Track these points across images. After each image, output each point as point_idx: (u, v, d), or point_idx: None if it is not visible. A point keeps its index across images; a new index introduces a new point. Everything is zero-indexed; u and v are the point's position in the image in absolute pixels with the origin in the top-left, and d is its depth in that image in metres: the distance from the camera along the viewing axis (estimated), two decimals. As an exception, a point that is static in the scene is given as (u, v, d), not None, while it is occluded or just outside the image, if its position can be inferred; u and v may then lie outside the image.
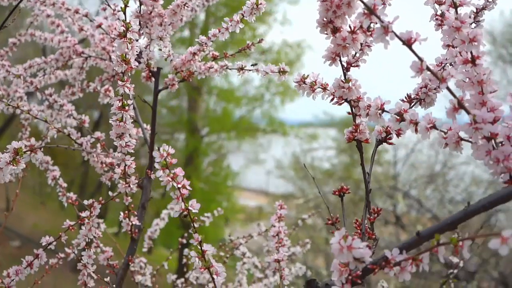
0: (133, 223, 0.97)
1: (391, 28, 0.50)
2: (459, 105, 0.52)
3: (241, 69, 0.95)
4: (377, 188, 6.52)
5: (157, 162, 0.61)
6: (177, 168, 0.63)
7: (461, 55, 0.54)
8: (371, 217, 0.63)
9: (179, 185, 0.62)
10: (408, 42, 0.51)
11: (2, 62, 1.11)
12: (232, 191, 11.67)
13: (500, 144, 0.52)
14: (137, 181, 0.91)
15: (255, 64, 0.96)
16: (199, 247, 0.65)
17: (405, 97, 0.69)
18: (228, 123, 13.20)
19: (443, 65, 0.69)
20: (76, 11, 1.10)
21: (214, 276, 0.65)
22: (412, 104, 0.69)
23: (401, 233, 6.77)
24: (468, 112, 0.51)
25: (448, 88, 0.51)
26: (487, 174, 7.35)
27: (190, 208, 0.63)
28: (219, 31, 0.90)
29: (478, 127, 0.50)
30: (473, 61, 0.54)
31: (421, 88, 0.69)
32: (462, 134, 0.55)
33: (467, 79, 0.54)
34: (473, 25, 0.72)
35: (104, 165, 1.03)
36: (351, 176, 8.76)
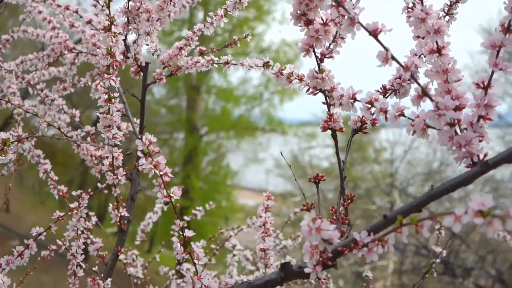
0: (122, 214, 1.00)
1: (357, 20, 0.52)
2: (423, 93, 0.54)
3: (226, 63, 0.97)
4: (374, 186, 6.55)
5: (140, 150, 0.64)
6: (160, 157, 0.65)
7: (427, 46, 0.56)
8: (345, 203, 0.65)
9: (161, 173, 0.64)
10: (374, 33, 0.53)
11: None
12: (231, 190, 11.69)
13: (464, 130, 0.55)
14: (125, 173, 0.94)
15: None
16: (181, 233, 0.67)
17: (380, 88, 0.71)
18: (227, 122, 13.22)
19: (416, 56, 0.71)
20: (67, 8, 1.13)
21: (196, 261, 0.67)
22: (387, 94, 0.71)
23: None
24: (431, 99, 0.54)
25: (412, 77, 0.54)
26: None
27: (172, 195, 0.66)
28: (204, 26, 0.93)
29: (441, 113, 0.52)
30: (438, 51, 0.56)
31: (395, 79, 0.71)
32: (428, 121, 0.57)
33: (434, 68, 0.56)
34: (447, 17, 0.75)
35: (94, 158, 1.05)
36: (350, 174, 8.78)
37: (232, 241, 1.31)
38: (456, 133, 0.54)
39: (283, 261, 1.36)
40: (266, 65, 0.86)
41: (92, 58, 1.22)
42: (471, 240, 6.51)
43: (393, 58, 0.53)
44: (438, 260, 1.09)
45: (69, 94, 1.26)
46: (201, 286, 0.66)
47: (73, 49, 1.22)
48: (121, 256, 1.31)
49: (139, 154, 0.64)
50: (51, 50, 1.22)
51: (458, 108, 0.55)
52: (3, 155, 0.69)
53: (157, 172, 0.64)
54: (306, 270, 0.57)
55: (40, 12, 1.23)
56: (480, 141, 0.54)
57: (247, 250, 1.38)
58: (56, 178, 1.12)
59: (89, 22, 1.10)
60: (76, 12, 1.14)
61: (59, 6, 1.13)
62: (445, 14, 0.73)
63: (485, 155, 0.53)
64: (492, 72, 0.55)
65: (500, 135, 8.60)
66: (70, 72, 1.23)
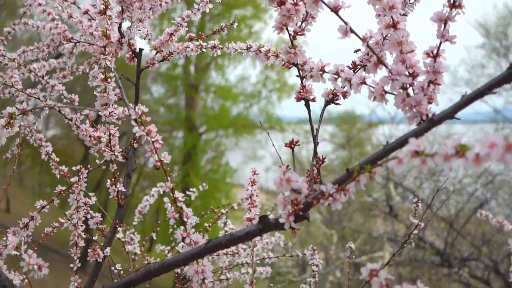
0: (119, 189, 1.07)
1: (319, -3, 0.60)
2: (379, 61, 0.62)
3: (214, 47, 1.05)
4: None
5: (133, 119, 0.71)
6: (151, 125, 0.73)
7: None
8: (317, 165, 0.73)
9: (153, 139, 0.72)
10: (335, 9, 0.61)
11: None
12: (230, 188, 11.75)
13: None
14: (121, 150, 1.01)
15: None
16: (171, 194, 0.75)
17: (351, 64, 0.79)
18: (225, 120, 13.29)
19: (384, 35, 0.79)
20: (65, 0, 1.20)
21: (185, 219, 0.75)
22: (357, 69, 0.79)
23: (395, 224, 6.89)
24: (386, 66, 0.61)
25: (368, 46, 0.61)
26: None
27: (162, 159, 0.73)
28: (192, 12, 1.00)
29: (394, 78, 0.60)
30: (394, 25, 0.64)
31: (364, 55, 0.78)
32: (386, 88, 0.65)
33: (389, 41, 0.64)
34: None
35: (92, 139, 1.13)
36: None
37: (223, 219, 1.39)
38: (408, 96, 0.62)
39: (272, 238, 1.43)
40: (248, 48, 0.93)
41: (90, 47, 1.29)
42: (467, 232, 6.60)
43: (352, 31, 0.61)
44: (416, 231, 1.16)
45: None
46: (190, 241, 0.73)
47: (71, 39, 1.30)
48: (120, 235, 1.39)
49: (133, 123, 0.72)
50: (50, 41, 1.30)
51: (413, 75, 0.63)
52: (9, 127, 0.77)
53: (149, 138, 0.72)
54: (281, 221, 0.65)
55: (39, 4, 1.30)
56: (430, 103, 0.62)
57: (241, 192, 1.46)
58: (57, 159, 1.20)
59: (86, 12, 1.17)
60: (74, 3, 1.21)
61: (57, -3, 1.20)
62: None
63: (433, 115, 0.61)
64: (440, 43, 0.62)
65: (497, 129, 8.69)
66: (69, 61, 1.30)
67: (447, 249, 6.09)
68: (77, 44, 1.30)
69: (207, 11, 0.99)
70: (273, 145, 1.05)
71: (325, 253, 6.27)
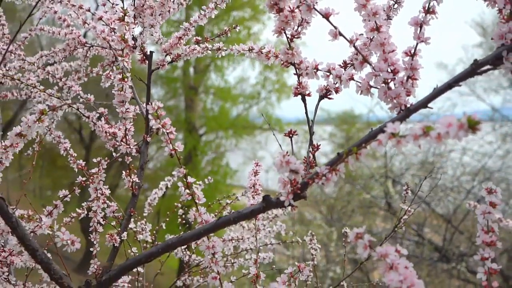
0: (134, 180, 1.17)
1: (312, 6, 0.70)
2: (364, 60, 0.72)
3: (219, 49, 1.15)
4: (370, 177, 6.74)
5: (150, 113, 0.81)
6: (166, 118, 0.83)
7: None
8: (313, 151, 0.83)
9: (168, 131, 0.82)
10: (326, 16, 0.71)
11: (18, 52, 1.31)
12: (231, 189, 11.85)
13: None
14: (136, 144, 1.11)
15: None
16: (184, 179, 0.85)
17: (342, 63, 0.89)
18: (225, 121, 13.38)
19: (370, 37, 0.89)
20: (80, 7, 1.30)
21: (197, 201, 0.85)
22: (347, 67, 0.89)
23: (395, 221, 6.99)
24: (370, 64, 0.72)
25: (355, 47, 0.72)
26: (474, 161, 7.57)
27: (176, 148, 0.83)
28: (199, 17, 1.11)
29: (376, 74, 0.70)
30: (377, 29, 0.74)
31: (353, 55, 0.89)
32: (371, 83, 0.75)
33: (373, 42, 0.74)
34: (396, 5, 0.92)
35: (107, 134, 1.23)
36: (347, 169, 8.96)
37: (228, 209, 1.49)
38: (390, 89, 0.72)
39: (274, 226, 1.54)
40: (250, 49, 1.03)
41: (102, 51, 1.40)
42: (465, 228, 6.70)
43: (340, 34, 0.71)
44: (405, 217, 1.26)
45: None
46: (202, 220, 0.84)
47: (85, 43, 1.40)
48: (132, 225, 1.49)
49: (150, 116, 0.82)
50: (66, 45, 1.40)
51: (393, 72, 0.73)
52: (40, 122, 0.87)
53: (164, 130, 0.82)
54: (281, 199, 0.75)
55: (55, 12, 1.40)
56: (408, 95, 0.72)
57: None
58: (75, 154, 1.30)
59: (100, 18, 1.27)
60: (88, 10, 1.31)
61: (73, 5, 1.30)
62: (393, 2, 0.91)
63: (411, 105, 0.71)
64: (417, 44, 0.73)
65: (495, 128, 8.79)
66: (83, 64, 1.40)
67: (446, 245, 6.19)
68: (91, 48, 1.40)
69: (213, 16, 1.10)
70: (277, 141, 1.15)
71: (325, 250, 6.36)
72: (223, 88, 13.61)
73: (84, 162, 1.13)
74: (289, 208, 0.76)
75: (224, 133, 13.77)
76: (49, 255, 1.04)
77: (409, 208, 1.26)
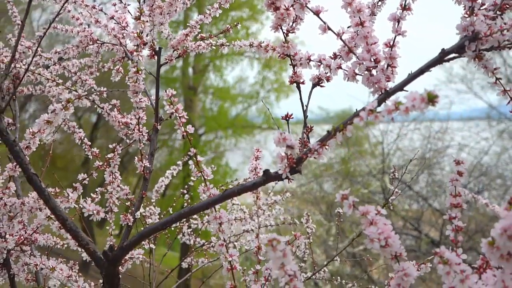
0: (145, 165, 1.29)
1: (305, 4, 0.82)
2: (350, 51, 0.84)
3: (222, 45, 1.26)
4: (368, 173, 6.88)
5: (165, 100, 0.93)
6: (178, 104, 0.94)
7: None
8: (307, 131, 0.94)
9: (180, 115, 0.94)
10: (317, 13, 0.82)
11: (34, 48, 1.42)
12: (231, 189, 11.89)
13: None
14: (147, 131, 1.23)
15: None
16: (194, 158, 0.97)
17: (332, 54, 1.01)
18: (224, 121, 13.47)
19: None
20: (93, 7, 1.42)
21: (205, 177, 0.96)
22: (337, 58, 1.00)
23: (393, 216, 7.11)
24: (354, 54, 0.83)
25: (342, 39, 0.83)
26: (471, 157, 7.69)
27: (188, 130, 0.95)
28: (204, 16, 1.22)
29: (360, 62, 0.82)
30: (361, 24, 0.86)
31: (342, 47, 1.00)
32: (356, 71, 0.87)
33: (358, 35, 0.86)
34: (380, 2, 1.04)
35: (120, 124, 1.34)
36: (347, 168, 9.13)
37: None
38: (372, 76, 0.84)
39: (273, 210, 1.66)
40: (251, 45, 1.15)
41: (113, 47, 1.51)
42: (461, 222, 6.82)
43: (329, 28, 0.83)
44: (393, 197, 1.38)
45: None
46: (210, 194, 0.95)
47: (97, 40, 1.51)
48: (141, 210, 1.60)
49: (164, 102, 0.94)
50: (79, 42, 1.51)
51: (375, 61, 0.85)
52: (66, 110, 0.99)
53: (177, 114, 0.94)
54: (279, 172, 0.86)
55: (69, 11, 1.52)
56: (388, 80, 0.83)
57: (243, 206, 1.68)
58: (89, 143, 1.42)
59: (112, 17, 1.39)
60: (101, 10, 1.43)
61: (87, 5, 1.42)
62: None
63: (390, 89, 0.82)
64: (395, 37, 0.84)
65: (493, 125, 8.93)
66: (95, 59, 1.52)
67: (442, 239, 6.31)
68: (102, 45, 1.51)
69: (217, 15, 1.21)
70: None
71: (325, 246, 6.48)
72: (222, 88, 13.71)
73: (114, 145, 1.23)
74: (286, 181, 0.88)
75: (223, 132, 13.87)
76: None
77: (396, 190, 1.38)
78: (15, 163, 1.09)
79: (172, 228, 1.70)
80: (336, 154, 10.72)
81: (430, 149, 7.14)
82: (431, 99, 0.59)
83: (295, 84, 0.93)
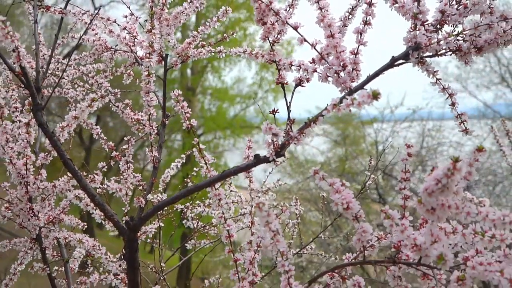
0: (155, 155, 1.50)
1: (285, 21, 1.03)
2: (322, 57, 1.05)
3: (220, 51, 1.48)
4: (362, 170, 7.09)
5: (172, 98, 1.14)
6: (184, 102, 1.15)
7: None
8: (289, 123, 1.15)
9: (185, 111, 1.15)
10: (295, 28, 1.04)
11: (53, 53, 1.63)
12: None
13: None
14: (157, 125, 1.44)
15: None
16: (197, 146, 1.18)
17: (311, 60, 1.22)
18: (223, 121, 13.67)
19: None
20: (108, 19, 1.63)
21: (207, 161, 1.17)
22: (315, 63, 1.21)
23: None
24: (325, 60, 1.04)
25: (315, 49, 1.04)
26: (463, 154, 7.91)
27: (191, 123, 1.16)
28: (205, 27, 1.44)
29: (331, 67, 1.03)
30: (332, 35, 1.07)
31: (317, 55, 1.21)
32: (327, 74, 1.08)
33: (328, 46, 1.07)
34: (350, 16, 1.25)
35: (132, 120, 1.55)
36: (344, 168, 9.36)
37: (228, 181, 1.82)
38: (340, 77, 1.05)
39: (267, 196, 1.87)
40: (244, 52, 1.36)
41: (125, 54, 1.72)
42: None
43: (305, 40, 1.04)
44: (369, 182, 1.59)
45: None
46: (210, 175, 1.16)
47: (110, 48, 1.72)
48: (149, 196, 1.81)
49: (173, 101, 1.15)
50: (95, 49, 1.72)
51: (343, 66, 1.06)
52: (90, 108, 1.19)
53: (182, 111, 1.15)
54: (267, 155, 1.07)
55: (86, 23, 1.72)
56: (353, 81, 1.05)
57: (241, 192, 1.89)
58: (105, 138, 1.62)
59: (124, 28, 1.60)
60: (115, 21, 1.64)
61: (102, 18, 1.63)
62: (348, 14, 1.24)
63: (353, 88, 1.03)
64: (358, 46, 1.05)
65: (488, 123, 9.14)
66: (109, 65, 1.73)
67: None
68: (115, 52, 1.72)
69: (216, 27, 1.42)
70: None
71: (320, 240, 6.69)
72: (220, 89, 13.92)
73: (128, 137, 1.44)
74: (273, 163, 1.09)
75: (222, 133, 14.07)
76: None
77: (372, 176, 1.59)
78: (46, 153, 1.30)
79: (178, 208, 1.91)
80: (334, 153, 10.95)
81: (422, 147, 7.36)
82: (375, 95, 0.80)
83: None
